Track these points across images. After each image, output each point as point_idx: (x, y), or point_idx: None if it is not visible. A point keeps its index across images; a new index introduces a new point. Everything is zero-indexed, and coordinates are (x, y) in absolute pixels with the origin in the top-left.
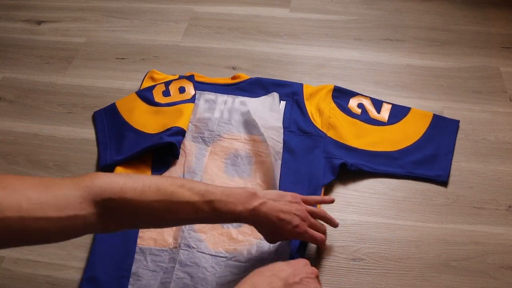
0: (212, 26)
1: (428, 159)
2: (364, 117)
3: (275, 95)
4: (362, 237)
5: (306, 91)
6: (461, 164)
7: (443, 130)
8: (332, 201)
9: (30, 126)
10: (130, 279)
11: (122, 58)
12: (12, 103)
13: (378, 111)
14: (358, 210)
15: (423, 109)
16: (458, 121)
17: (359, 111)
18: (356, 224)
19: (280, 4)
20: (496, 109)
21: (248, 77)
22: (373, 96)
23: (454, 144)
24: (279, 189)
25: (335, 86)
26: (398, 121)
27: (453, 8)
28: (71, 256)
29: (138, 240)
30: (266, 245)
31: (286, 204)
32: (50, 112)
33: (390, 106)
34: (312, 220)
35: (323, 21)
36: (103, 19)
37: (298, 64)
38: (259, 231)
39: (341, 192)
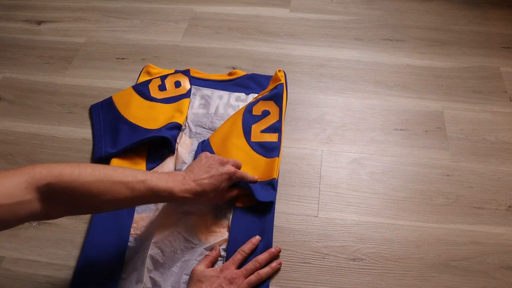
0: (212, 26)
1: None
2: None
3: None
4: (362, 237)
5: None
6: (461, 164)
7: None
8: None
9: (30, 126)
10: (123, 267)
11: (122, 58)
12: (12, 103)
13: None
14: (358, 210)
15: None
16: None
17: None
18: (356, 224)
19: (280, 4)
20: (496, 109)
21: (245, 73)
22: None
23: None
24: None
25: None
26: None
27: (453, 8)
28: (71, 256)
29: (131, 230)
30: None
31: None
32: (50, 112)
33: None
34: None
35: (323, 21)
36: (103, 19)
37: (298, 64)
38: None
39: (341, 192)
